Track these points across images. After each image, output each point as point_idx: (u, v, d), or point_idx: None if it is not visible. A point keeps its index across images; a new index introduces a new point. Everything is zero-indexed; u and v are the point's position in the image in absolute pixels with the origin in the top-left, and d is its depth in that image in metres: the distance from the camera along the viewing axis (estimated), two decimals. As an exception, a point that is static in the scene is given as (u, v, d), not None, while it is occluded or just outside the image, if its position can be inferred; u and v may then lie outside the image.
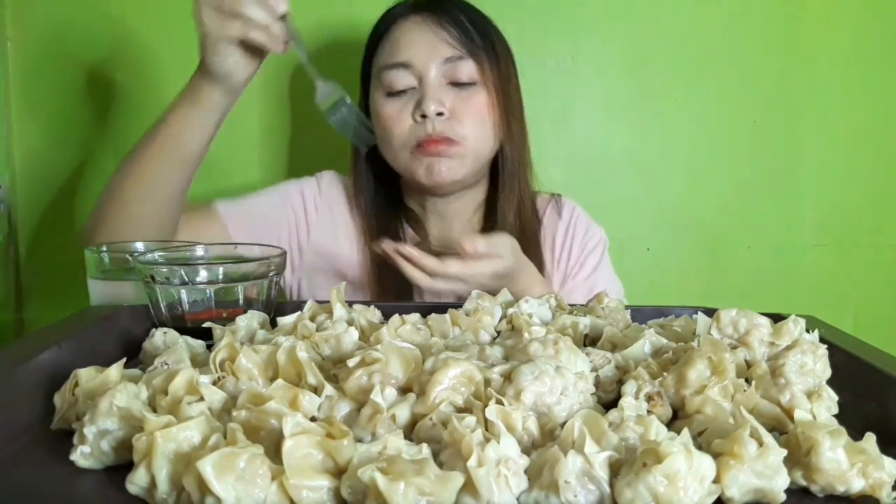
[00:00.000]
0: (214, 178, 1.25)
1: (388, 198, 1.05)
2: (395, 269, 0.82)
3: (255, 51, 0.82)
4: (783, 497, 0.36)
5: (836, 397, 0.46)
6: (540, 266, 0.99)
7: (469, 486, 0.34)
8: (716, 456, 0.36)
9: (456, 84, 0.95)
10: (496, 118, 0.97)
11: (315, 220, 1.06)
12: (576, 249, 1.05)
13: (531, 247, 1.00)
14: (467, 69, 0.94)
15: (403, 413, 0.42)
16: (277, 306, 0.68)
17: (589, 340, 0.60)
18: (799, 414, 0.42)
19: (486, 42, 0.96)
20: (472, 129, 0.95)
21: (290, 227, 1.05)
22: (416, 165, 0.96)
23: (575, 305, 0.68)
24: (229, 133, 1.23)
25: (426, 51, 0.94)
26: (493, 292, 0.68)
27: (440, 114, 0.93)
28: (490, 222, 1.03)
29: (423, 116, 0.93)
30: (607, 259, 1.08)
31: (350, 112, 0.87)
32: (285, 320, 0.58)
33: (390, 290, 0.97)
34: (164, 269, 0.63)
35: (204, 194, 1.25)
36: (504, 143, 0.99)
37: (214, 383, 0.45)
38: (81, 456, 0.40)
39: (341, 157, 1.24)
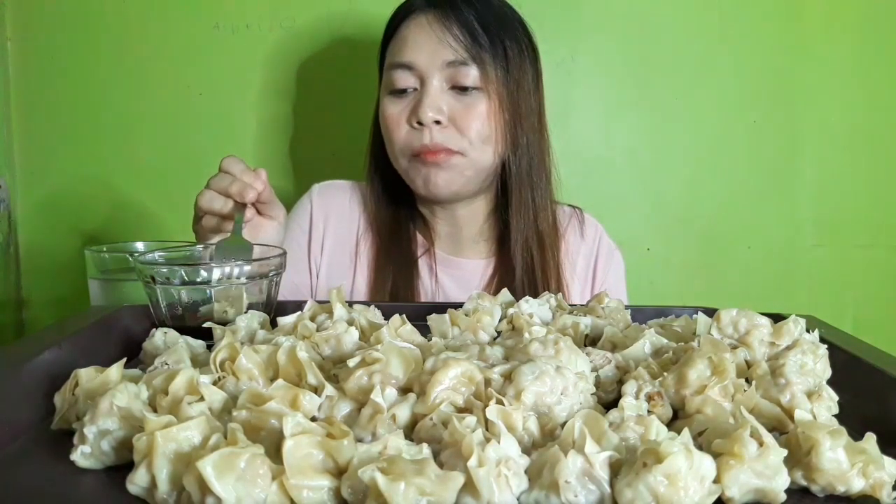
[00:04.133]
0: (208, 173, 1.26)
1: (398, 199, 1.03)
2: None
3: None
4: (783, 497, 0.36)
5: (836, 397, 0.46)
6: (559, 278, 0.99)
7: (469, 486, 0.34)
8: (716, 456, 0.36)
9: (458, 89, 0.91)
10: (500, 127, 0.92)
11: (317, 237, 1.03)
12: (599, 276, 1.05)
13: (551, 257, 0.98)
14: (471, 74, 0.91)
15: (404, 413, 0.42)
16: (277, 306, 0.68)
17: (589, 340, 0.60)
18: (799, 414, 0.42)
19: (495, 46, 0.92)
20: (472, 138, 0.91)
21: (309, 258, 1.03)
22: (414, 174, 0.94)
23: (575, 305, 0.68)
24: (224, 128, 1.25)
25: (429, 53, 0.91)
26: None
27: (437, 122, 0.90)
28: (501, 230, 1.02)
29: (420, 123, 0.91)
30: (624, 284, 1.08)
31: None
32: (285, 320, 0.58)
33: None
34: (164, 269, 0.63)
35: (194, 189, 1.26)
36: (509, 152, 0.95)
37: (215, 383, 0.45)
38: (81, 456, 0.40)
39: (338, 151, 1.25)
